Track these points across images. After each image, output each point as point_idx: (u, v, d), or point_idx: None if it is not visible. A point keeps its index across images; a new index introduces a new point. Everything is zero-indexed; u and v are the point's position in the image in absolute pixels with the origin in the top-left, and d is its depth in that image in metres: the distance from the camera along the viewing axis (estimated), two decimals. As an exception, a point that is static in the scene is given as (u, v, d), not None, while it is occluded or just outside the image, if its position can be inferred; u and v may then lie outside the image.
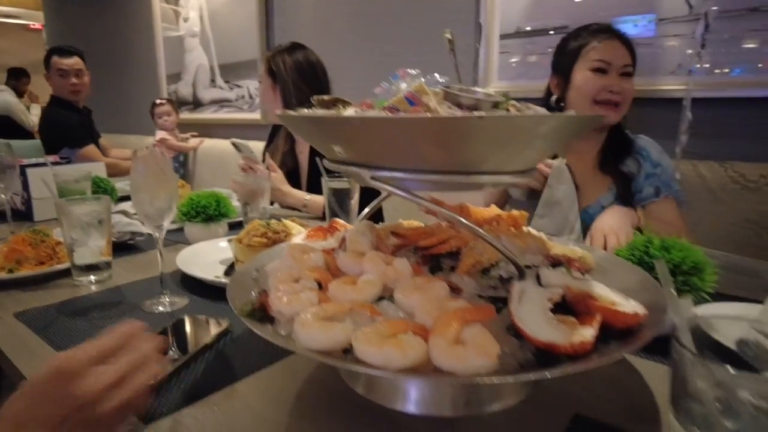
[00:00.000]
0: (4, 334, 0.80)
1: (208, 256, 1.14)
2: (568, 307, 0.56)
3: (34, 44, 6.03)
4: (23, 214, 1.64)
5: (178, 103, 3.62)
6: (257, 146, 2.08)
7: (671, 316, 0.41)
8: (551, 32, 2.00)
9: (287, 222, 1.07)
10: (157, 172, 0.83)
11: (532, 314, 0.50)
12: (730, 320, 0.49)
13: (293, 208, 1.79)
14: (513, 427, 0.56)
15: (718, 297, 0.82)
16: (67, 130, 2.89)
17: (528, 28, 2.08)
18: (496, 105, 0.58)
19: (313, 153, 1.85)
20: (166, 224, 0.88)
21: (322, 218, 1.60)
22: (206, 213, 1.28)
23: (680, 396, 0.40)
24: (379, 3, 2.54)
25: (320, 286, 0.62)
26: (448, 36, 0.62)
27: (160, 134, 3.07)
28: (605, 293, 0.56)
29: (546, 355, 0.48)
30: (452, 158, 0.53)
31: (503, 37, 2.14)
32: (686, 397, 0.39)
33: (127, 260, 1.20)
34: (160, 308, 0.88)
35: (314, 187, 1.82)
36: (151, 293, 0.95)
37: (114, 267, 1.09)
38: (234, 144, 1.71)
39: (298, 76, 1.86)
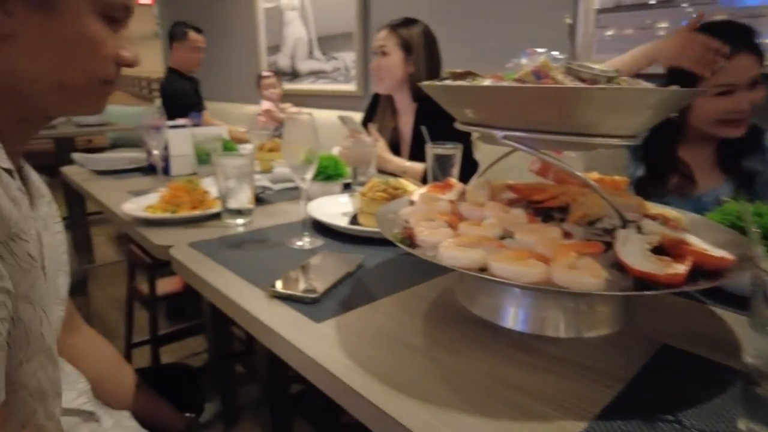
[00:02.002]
0: (187, 258, 1.02)
1: (330, 209, 1.32)
2: (664, 252, 0.67)
3: (144, 19, 6.62)
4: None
5: (277, 74, 3.87)
6: (356, 117, 2.25)
7: (753, 249, 0.51)
8: (652, 1, 1.98)
9: (402, 180, 1.23)
10: (307, 133, 1.00)
11: (634, 253, 0.62)
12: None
13: (392, 174, 1.95)
14: (607, 350, 0.68)
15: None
16: (186, 98, 3.23)
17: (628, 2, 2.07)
18: (610, 79, 0.68)
19: (417, 123, 1.99)
20: (309, 176, 1.06)
21: (422, 184, 1.75)
22: (326, 173, 1.47)
23: (758, 309, 0.50)
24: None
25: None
26: (569, 21, 0.73)
27: (266, 105, 3.33)
28: (697, 242, 0.67)
29: (643, 284, 0.60)
30: (573, 122, 0.64)
31: (601, 11, 2.15)
32: (763, 310, 0.50)
33: (259, 210, 1.41)
34: (304, 245, 1.07)
35: (415, 157, 1.98)
36: (289, 235, 1.14)
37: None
38: (341, 118, 1.88)
39: (426, 50, 1.99)
